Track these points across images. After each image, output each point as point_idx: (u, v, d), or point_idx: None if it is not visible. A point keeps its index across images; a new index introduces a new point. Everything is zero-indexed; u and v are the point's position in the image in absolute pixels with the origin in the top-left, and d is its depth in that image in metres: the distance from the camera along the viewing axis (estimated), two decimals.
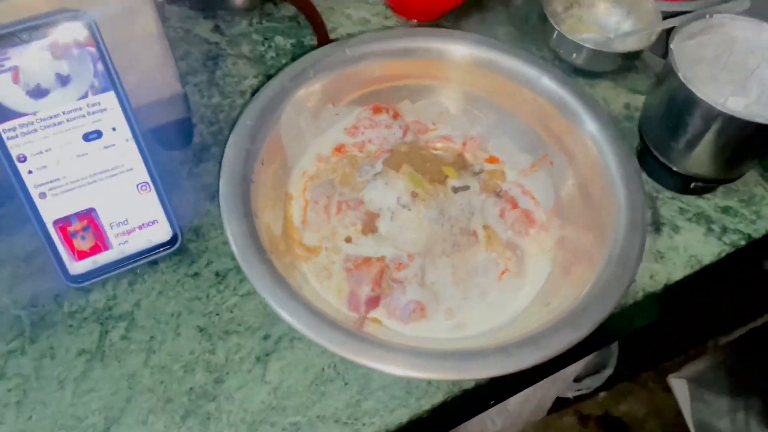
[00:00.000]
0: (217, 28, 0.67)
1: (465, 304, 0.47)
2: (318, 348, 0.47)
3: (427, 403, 0.46)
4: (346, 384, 0.46)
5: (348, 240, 0.49)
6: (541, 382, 0.65)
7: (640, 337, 1.16)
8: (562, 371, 0.88)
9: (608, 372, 1.30)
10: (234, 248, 0.43)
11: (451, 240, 0.48)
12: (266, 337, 0.48)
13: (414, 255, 0.47)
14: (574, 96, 0.51)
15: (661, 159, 0.56)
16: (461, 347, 0.40)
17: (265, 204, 0.47)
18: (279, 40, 0.67)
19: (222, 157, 0.55)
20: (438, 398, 0.46)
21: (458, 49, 0.54)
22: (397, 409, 0.45)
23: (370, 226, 0.49)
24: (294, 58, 0.65)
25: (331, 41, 0.67)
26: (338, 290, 0.47)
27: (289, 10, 0.70)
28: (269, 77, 0.63)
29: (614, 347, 1.33)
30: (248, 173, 0.46)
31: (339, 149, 0.54)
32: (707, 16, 0.54)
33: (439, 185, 0.49)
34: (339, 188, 0.52)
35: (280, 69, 0.64)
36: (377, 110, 0.56)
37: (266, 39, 0.67)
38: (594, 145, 0.49)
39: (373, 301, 0.47)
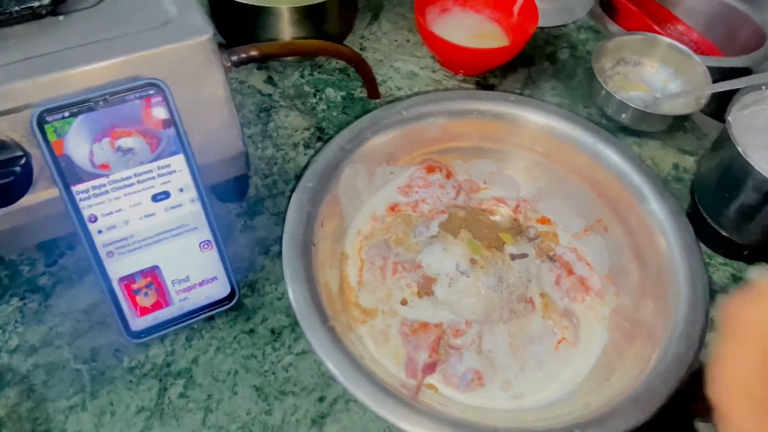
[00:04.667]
0: (270, 80, 0.69)
1: (522, 374, 0.47)
2: (373, 412, 0.47)
3: None
4: None
5: (404, 302, 0.50)
6: None
7: None
8: None
9: None
10: (298, 315, 0.43)
11: (509, 307, 0.48)
12: (321, 399, 0.48)
13: (471, 321, 0.47)
14: (631, 165, 0.52)
15: (714, 225, 0.56)
16: (523, 425, 0.40)
17: (324, 265, 0.48)
18: (330, 92, 0.68)
19: (282, 213, 0.56)
20: None
21: (513, 112, 0.55)
22: None
23: (426, 289, 0.49)
24: (344, 110, 0.67)
25: (380, 95, 0.69)
26: (395, 355, 0.47)
27: (339, 62, 0.71)
28: (320, 129, 0.65)
29: None
30: (309, 236, 0.47)
31: (393, 208, 0.55)
32: (763, 87, 0.54)
33: (497, 252, 0.49)
34: (394, 248, 0.52)
35: (331, 121, 0.65)
36: (430, 169, 0.56)
37: (317, 91, 0.68)
38: (652, 216, 0.50)
39: (430, 368, 0.47)
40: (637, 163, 0.52)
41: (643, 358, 0.44)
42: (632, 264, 0.51)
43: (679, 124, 0.67)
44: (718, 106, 0.68)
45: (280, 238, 0.56)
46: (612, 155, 0.53)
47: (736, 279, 0.57)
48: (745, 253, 0.56)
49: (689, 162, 0.65)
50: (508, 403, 0.46)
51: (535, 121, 0.55)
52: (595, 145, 0.53)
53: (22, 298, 0.51)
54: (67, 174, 0.43)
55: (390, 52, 0.73)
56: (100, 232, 0.45)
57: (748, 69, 0.85)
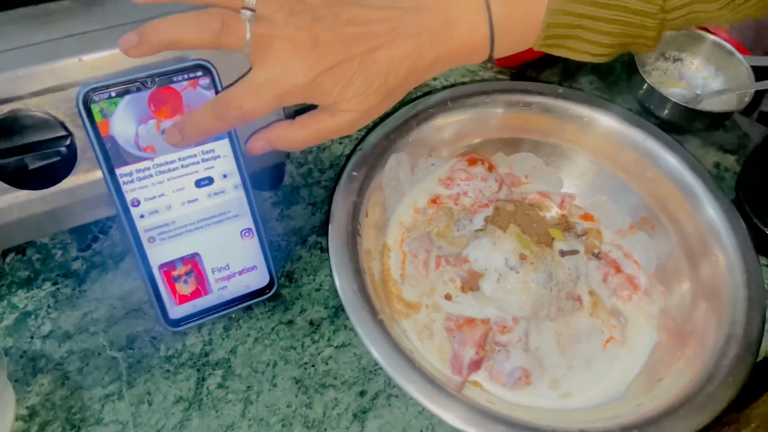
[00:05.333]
0: None
1: (570, 373, 0.46)
2: (415, 408, 0.46)
3: None
4: None
5: (448, 297, 0.48)
6: None
7: None
8: None
9: None
10: (346, 306, 0.42)
11: (557, 305, 0.47)
12: (362, 393, 0.47)
13: (519, 318, 0.46)
14: (682, 162, 0.50)
15: (760, 225, 0.55)
16: (576, 426, 0.39)
17: (368, 256, 0.47)
18: None
19: (318, 203, 0.55)
20: None
21: (560, 105, 0.54)
22: None
23: (470, 284, 0.48)
24: None
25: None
26: (440, 351, 0.46)
27: None
28: None
29: None
30: (356, 226, 0.46)
31: (434, 200, 0.54)
32: None
33: (546, 248, 0.48)
34: (436, 242, 0.51)
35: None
36: (472, 162, 0.55)
37: None
38: (704, 215, 0.48)
39: (476, 364, 0.46)
40: (689, 159, 0.51)
41: (697, 359, 0.43)
42: (682, 263, 0.49)
43: (719, 122, 0.66)
44: (749, 104, 0.67)
45: (317, 228, 0.55)
46: (662, 151, 0.51)
47: None
48: None
49: (730, 161, 0.64)
50: (556, 402, 0.45)
51: (582, 115, 0.54)
52: (644, 141, 0.52)
53: (54, 283, 0.50)
54: (112, 156, 0.41)
55: None
56: (142, 216, 0.44)
57: None
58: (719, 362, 0.41)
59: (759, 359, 0.42)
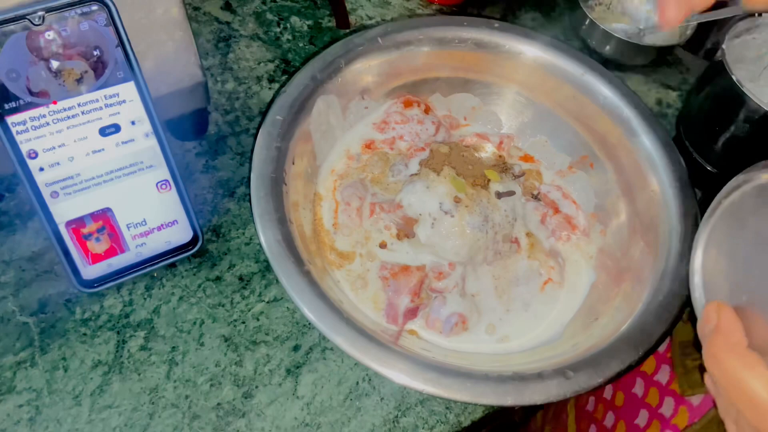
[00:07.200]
0: (227, 6, 0.63)
1: (507, 317, 0.44)
2: (350, 360, 0.45)
3: (466, 420, 0.44)
4: (382, 399, 0.44)
5: (383, 245, 0.46)
6: None
7: None
8: None
9: None
10: (270, 258, 0.39)
11: (494, 248, 0.45)
12: (296, 348, 0.45)
13: (455, 264, 0.45)
14: (620, 96, 0.49)
15: (700, 160, 0.54)
16: (510, 368, 0.37)
17: (296, 207, 0.44)
18: (295, 20, 0.63)
19: (247, 153, 0.52)
20: (477, 414, 0.44)
21: (497, 41, 0.51)
22: (437, 426, 0.43)
23: (406, 231, 0.46)
24: (312, 41, 0.62)
25: (350, 24, 0.64)
26: (374, 300, 0.44)
27: None
28: (286, 61, 0.60)
29: None
30: (280, 174, 0.43)
31: (368, 146, 0.51)
32: (756, 15, 0.51)
33: (482, 190, 0.46)
34: (371, 188, 0.48)
35: (297, 53, 0.60)
36: (408, 104, 0.52)
37: (281, 19, 0.63)
38: (642, 150, 0.47)
39: (412, 312, 0.44)
40: (627, 93, 0.49)
41: (633, 296, 0.42)
42: (620, 201, 0.48)
43: (662, 57, 0.64)
44: (695, 39, 0.66)
45: (246, 178, 0.52)
46: (600, 86, 0.49)
47: None
48: None
49: (672, 97, 0.63)
50: (493, 346, 0.44)
51: (519, 50, 0.51)
52: (583, 75, 0.50)
53: None
54: (1, 102, 0.37)
55: None
56: (41, 169, 0.40)
57: (725, 2, 0.82)
58: (654, 298, 0.40)
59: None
